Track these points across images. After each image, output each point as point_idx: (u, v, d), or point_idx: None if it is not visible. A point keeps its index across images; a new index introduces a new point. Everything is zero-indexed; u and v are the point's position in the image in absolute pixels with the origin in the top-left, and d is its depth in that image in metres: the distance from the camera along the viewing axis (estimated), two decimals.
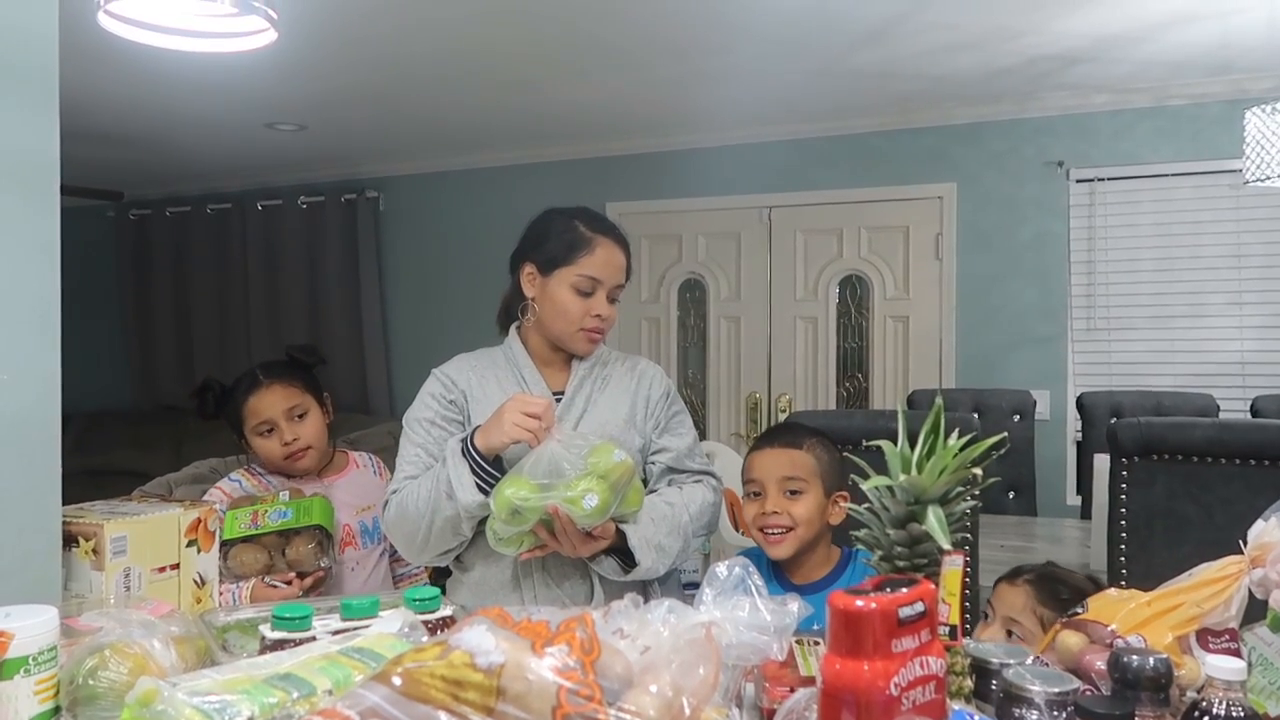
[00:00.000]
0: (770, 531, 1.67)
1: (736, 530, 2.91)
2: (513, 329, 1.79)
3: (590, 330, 1.70)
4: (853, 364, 4.45)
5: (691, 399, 4.74)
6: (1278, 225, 3.71)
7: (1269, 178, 3.02)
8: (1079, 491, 3.94)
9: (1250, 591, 1.07)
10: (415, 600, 1.15)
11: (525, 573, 1.64)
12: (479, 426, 1.58)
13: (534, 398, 1.57)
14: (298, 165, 5.28)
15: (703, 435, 4.62)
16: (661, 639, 0.90)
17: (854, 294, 4.45)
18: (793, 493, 1.67)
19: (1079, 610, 1.11)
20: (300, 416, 2.04)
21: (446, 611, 1.17)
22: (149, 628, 1.09)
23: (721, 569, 1.07)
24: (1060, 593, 1.41)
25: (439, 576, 1.86)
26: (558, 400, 1.70)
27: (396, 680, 0.78)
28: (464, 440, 1.58)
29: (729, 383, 4.67)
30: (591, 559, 1.60)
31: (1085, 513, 3.36)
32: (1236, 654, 1.04)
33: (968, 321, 4.20)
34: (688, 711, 0.83)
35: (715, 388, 4.69)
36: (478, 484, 1.54)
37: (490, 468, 1.55)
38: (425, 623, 1.08)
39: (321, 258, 5.38)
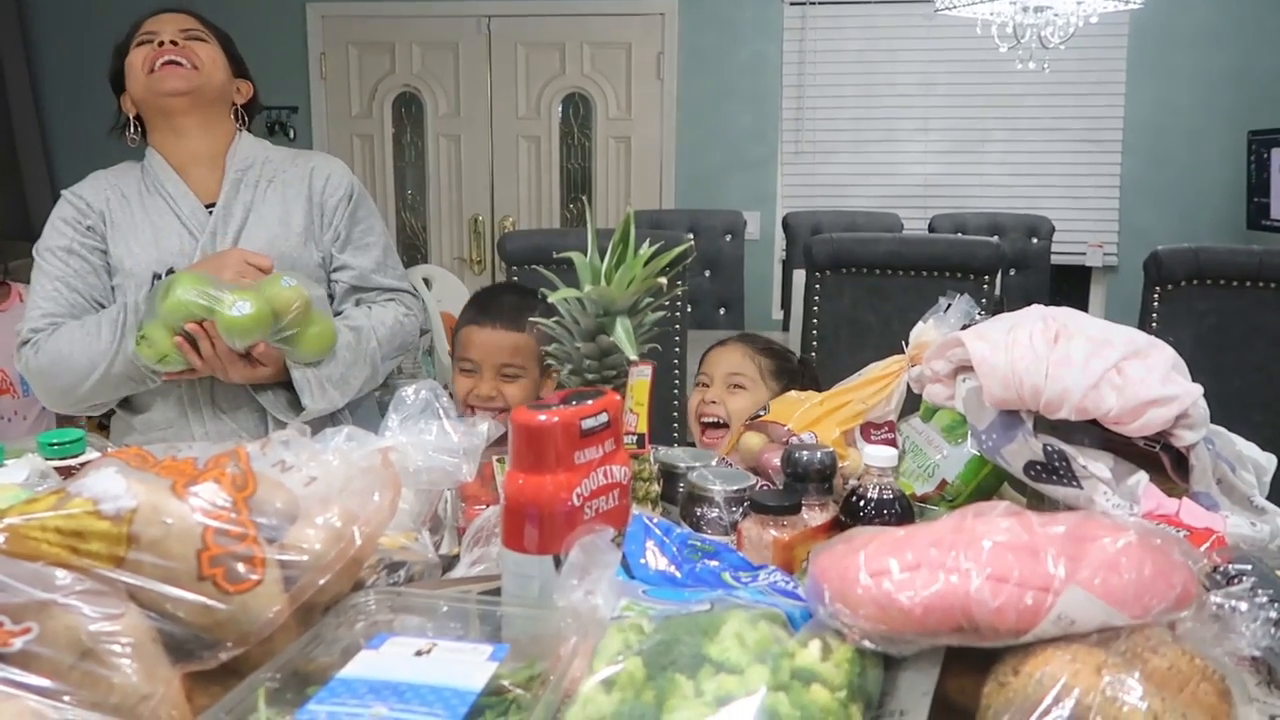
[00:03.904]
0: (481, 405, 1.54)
1: (451, 357, 2.85)
2: (147, 143, 1.56)
3: (158, 64, 1.47)
4: (576, 185, 4.40)
5: (411, 221, 4.52)
6: (963, 55, 3.99)
7: (956, 6, 3.21)
8: (783, 306, 4.22)
9: (909, 386, 1.16)
10: (51, 445, 1.00)
11: (194, 405, 1.48)
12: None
13: (259, 254, 1.43)
14: None
15: (424, 259, 4.45)
16: (331, 469, 0.83)
17: (577, 113, 4.35)
18: (509, 377, 1.54)
19: (762, 413, 1.17)
20: None
21: (92, 456, 1.02)
22: None
23: (408, 392, 1.01)
24: (766, 343, 1.47)
25: (64, 422, 1.66)
26: (209, 210, 1.51)
27: None
28: None
29: (450, 204, 4.48)
30: (258, 392, 1.47)
31: (787, 325, 3.61)
32: (892, 444, 1.14)
33: (688, 143, 4.25)
34: (359, 540, 0.78)
35: (435, 209, 4.49)
36: None
37: None
38: (62, 469, 0.94)
39: None
